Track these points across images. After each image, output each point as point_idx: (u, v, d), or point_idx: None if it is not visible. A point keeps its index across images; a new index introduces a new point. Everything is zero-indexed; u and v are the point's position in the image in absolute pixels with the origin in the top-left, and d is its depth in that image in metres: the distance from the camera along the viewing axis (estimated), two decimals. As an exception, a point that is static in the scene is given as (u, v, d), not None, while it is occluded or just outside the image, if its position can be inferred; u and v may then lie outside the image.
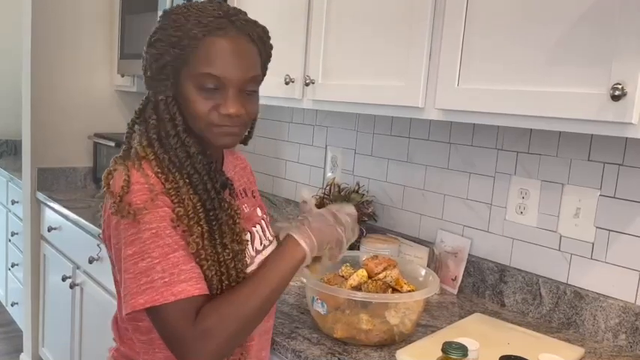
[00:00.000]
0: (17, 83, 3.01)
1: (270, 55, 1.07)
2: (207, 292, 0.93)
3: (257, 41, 1.01)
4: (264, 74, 1.06)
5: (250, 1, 1.91)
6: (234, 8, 1.02)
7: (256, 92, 1.03)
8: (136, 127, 1.05)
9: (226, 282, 0.97)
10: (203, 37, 0.95)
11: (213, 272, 0.96)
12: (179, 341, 0.90)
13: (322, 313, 1.26)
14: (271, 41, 1.05)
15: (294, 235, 1.01)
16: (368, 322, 1.22)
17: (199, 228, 0.95)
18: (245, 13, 1.03)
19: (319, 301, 1.26)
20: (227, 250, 0.98)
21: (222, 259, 0.97)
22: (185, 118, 0.99)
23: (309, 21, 1.70)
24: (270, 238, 1.17)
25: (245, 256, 1.02)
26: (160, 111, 1.00)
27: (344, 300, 1.24)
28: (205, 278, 0.94)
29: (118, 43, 2.74)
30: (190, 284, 0.91)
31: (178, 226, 0.94)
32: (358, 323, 1.22)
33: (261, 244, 1.12)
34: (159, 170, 0.97)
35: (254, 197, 1.21)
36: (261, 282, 0.97)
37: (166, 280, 0.89)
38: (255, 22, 1.03)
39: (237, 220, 1.02)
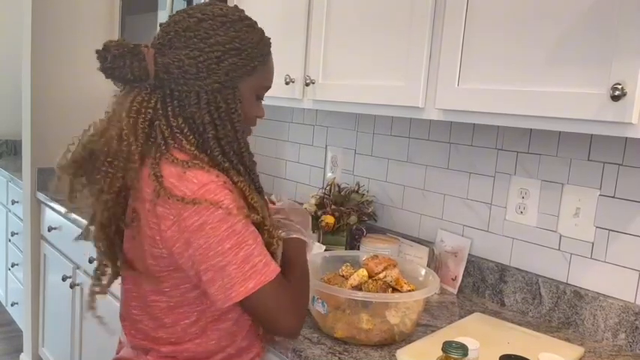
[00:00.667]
0: (17, 83, 3.01)
1: None
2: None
3: None
4: None
5: (251, 1, 1.92)
6: None
7: None
8: (185, 126, 1.05)
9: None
10: (268, 54, 1.11)
11: None
12: (286, 309, 1.02)
13: (323, 312, 1.26)
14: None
15: (299, 236, 1.18)
16: (368, 322, 1.22)
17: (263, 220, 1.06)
18: None
19: (320, 300, 1.26)
20: (274, 238, 1.08)
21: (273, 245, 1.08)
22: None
23: (309, 21, 1.70)
24: None
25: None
26: (222, 110, 1.05)
27: (344, 300, 1.24)
28: None
29: (118, 43, 2.74)
30: (274, 263, 1.02)
31: (257, 221, 1.04)
32: (358, 323, 1.22)
33: None
34: (225, 171, 1.04)
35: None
36: (305, 273, 1.16)
37: (264, 261, 0.99)
38: None
39: (269, 212, 1.13)
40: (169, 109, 1.04)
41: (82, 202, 1.09)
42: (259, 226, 1.04)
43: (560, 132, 1.47)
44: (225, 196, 0.98)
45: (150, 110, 1.03)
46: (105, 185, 1.03)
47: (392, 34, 1.45)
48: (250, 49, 1.05)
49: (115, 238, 1.10)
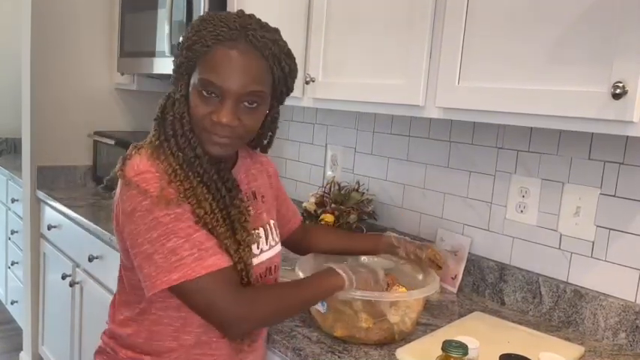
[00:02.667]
0: (17, 81, 3.01)
1: (288, 75, 1.09)
2: (232, 264, 1.02)
3: (269, 59, 1.04)
4: (278, 92, 1.10)
5: (250, 0, 1.92)
6: (258, 23, 1.06)
7: (259, 107, 1.06)
8: (155, 122, 1.09)
9: (245, 278, 1.05)
10: (213, 45, 1.00)
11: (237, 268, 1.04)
12: (219, 305, 0.98)
13: (322, 311, 1.26)
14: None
15: (337, 269, 1.16)
16: (367, 321, 1.22)
17: (221, 228, 1.03)
18: (269, 31, 1.06)
19: None
20: (241, 247, 1.05)
21: (241, 254, 1.05)
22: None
23: (309, 19, 1.70)
24: (273, 242, 1.21)
25: (254, 254, 1.11)
26: (175, 108, 1.05)
27: (344, 298, 1.24)
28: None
29: (118, 41, 2.74)
30: (218, 258, 0.99)
31: (202, 225, 1.01)
32: (358, 322, 1.22)
33: (267, 244, 1.19)
34: (173, 169, 1.02)
35: (262, 201, 1.23)
36: (304, 287, 1.13)
37: (196, 255, 0.97)
38: (273, 41, 1.05)
39: (247, 219, 1.08)
40: (164, 110, 1.09)
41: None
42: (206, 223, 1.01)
43: (560, 130, 1.47)
44: (154, 187, 0.98)
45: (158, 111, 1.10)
46: None
47: (392, 32, 1.44)
48: (187, 40, 1.02)
49: None
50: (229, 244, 1.03)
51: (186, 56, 1.02)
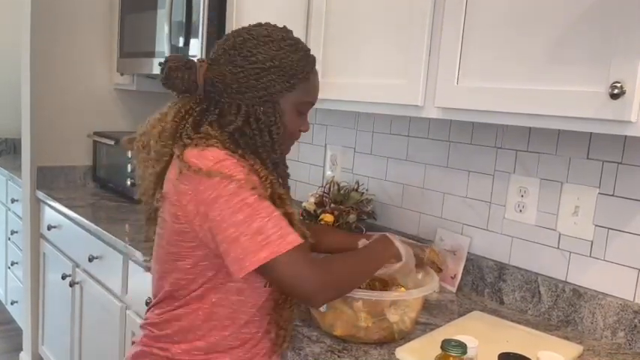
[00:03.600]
0: (17, 82, 3.01)
1: None
2: (306, 242, 1.09)
3: None
4: None
5: (249, 0, 1.92)
6: None
7: None
8: (233, 128, 1.13)
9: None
10: (311, 73, 1.18)
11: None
12: (303, 277, 1.04)
13: (322, 310, 1.26)
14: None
15: (392, 238, 1.28)
16: (367, 320, 1.22)
17: (290, 209, 1.11)
18: None
19: None
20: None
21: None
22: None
23: (308, 20, 1.70)
24: None
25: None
26: (261, 123, 1.13)
27: (344, 298, 1.24)
28: None
29: (118, 41, 2.74)
30: (295, 235, 1.05)
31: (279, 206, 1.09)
32: (357, 321, 1.22)
33: None
34: (258, 167, 1.11)
35: None
36: (367, 256, 1.24)
37: (279, 233, 1.02)
38: None
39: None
40: (211, 117, 1.14)
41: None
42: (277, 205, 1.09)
43: (559, 130, 1.47)
44: (239, 172, 1.04)
45: (192, 117, 1.14)
46: (142, 173, 1.21)
47: (391, 32, 1.45)
48: (289, 67, 1.13)
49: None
50: (300, 224, 1.11)
51: (283, 81, 1.12)
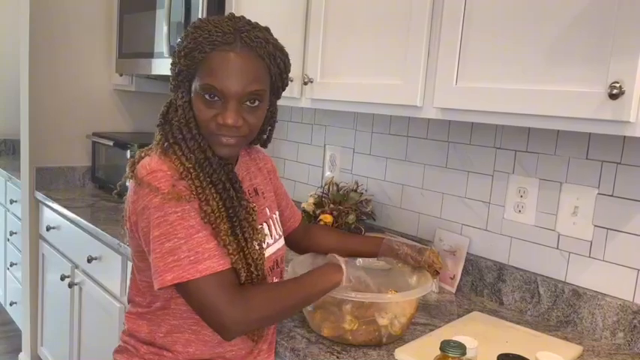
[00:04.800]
0: (15, 82, 3.01)
1: (283, 71, 1.13)
2: (230, 267, 1.03)
3: (265, 57, 1.07)
4: (275, 88, 1.14)
5: (248, 1, 1.91)
6: (249, 24, 1.08)
7: (260, 105, 1.09)
8: (159, 127, 1.12)
9: (255, 273, 1.07)
10: (210, 51, 1.03)
11: (240, 265, 1.05)
12: (213, 308, 0.99)
13: (309, 309, 1.26)
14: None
15: (340, 263, 1.18)
16: (352, 322, 1.21)
17: (224, 225, 1.04)
18: (261, 30, 1.09)
19: None
20: (249, 244, 1.07)
21: (246, 252, 1.06)
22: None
23: (307, 20, 1.70)
24: (277, 236, 1.25)
25: (263, 249, 1.12)
26: (179, 114, 1.08)
27: (331, 298, 1.23)
28: (234, 271, 1.04)
29: (117, 42, 2.74)
30: (214, 261, 1.00)
31: (206, 222, 1.03)
32: (343, 322, 1.22)
33: (271, 237, 1.22)
34: (185, 167, 1.05)
35: (264, 197, 1.26)
36: (301, 286, 1.12)
37: (192, 258, 0.98)
38: (267, 39, 1.08)
39: (255, 217, 1.11)
40: (167, 116, 1.12)
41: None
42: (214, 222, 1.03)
43: (558, 131, 1.47)
44: (168, 185, 1.01)
45: (160, 117, 1.13)
46: None
47: (390, 32, 1.45)
48: (188, 48, 1.04)
49: None
50: (230, 241, 1.04)
51: (185, 64, 1.05)
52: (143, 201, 1.02)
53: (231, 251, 1.04)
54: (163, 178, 1.02)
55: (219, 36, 1.03)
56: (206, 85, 1.03)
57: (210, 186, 1.05)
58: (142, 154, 1.11)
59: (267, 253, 1.17)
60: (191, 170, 1.04)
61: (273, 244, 1.21)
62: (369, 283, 1.26)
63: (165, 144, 1.07)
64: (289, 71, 1.15)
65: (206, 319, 1.02)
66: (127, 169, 1.09)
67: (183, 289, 1.00)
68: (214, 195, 1.05)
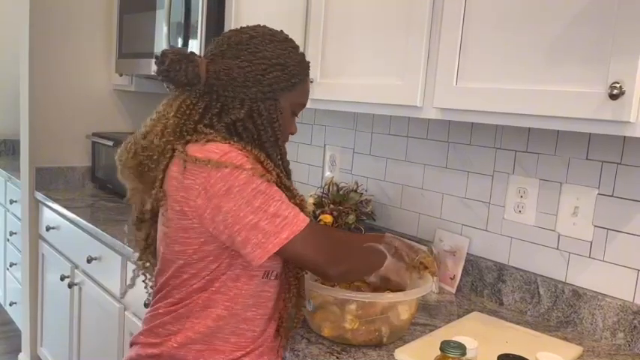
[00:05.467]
0: (15, 82, 3.01)
1: None
2: None
3: None
4: None
5: (248, 1, 1.91)
6: None
7: None
8: (223, 126, 1.14)
9: None
10: (307, 75, 1.21)
11: None
12: (324, 247, 1.11)
13: (309, 309, 1.26)
14: None
15: (384, 250, 1.29)
16: (352, 322, 1.21)
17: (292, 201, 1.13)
18: None
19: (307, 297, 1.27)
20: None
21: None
22: None
23: (307, 20, 1.70)
24: None
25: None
26: (263, 119, 1.14)
27: (332, 298, 1.23)
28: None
29: (116, 42, 2.74)
30: (303, 213, 1.10)
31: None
32: (343, 322, 1.22)
33: None
34: (262, 157, 1.12)
35: None
36: (374, 249, 1.29)
37: (293, 212, 1.07)
38: None
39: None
40: (214, 112, 1.14)
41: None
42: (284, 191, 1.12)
43: (558, 131, 1.47)
44: (247, 161, 1.06)
45: (196, 112, 1.14)
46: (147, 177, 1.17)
47: (390, 33, 1.44)
48: (293, 67, 1.15)
49: (151, 229, 1.25)
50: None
51: (285, 79, 1.15)
52: (227, 182, 1.04)
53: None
54: (241, 156, 1.06)
55: (308, 64, 1.21)
56: (302, 104, 1.22)
57: (278, 170, 1.14)
58: (192, 139, 1.12)
59: None
60: (264, 161, 1.11)
61: None
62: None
63: (235, 138, 1.13)
64: None
65: (319, 260, 1.10)
66: (183, 159, 1.08)
67: (294, 243, 1.06)
68: (285, 179, 1.15)
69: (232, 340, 1.15)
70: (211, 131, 1.12)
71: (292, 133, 1.24)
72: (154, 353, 1.15)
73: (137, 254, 1.31)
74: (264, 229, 1.04)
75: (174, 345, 1.13)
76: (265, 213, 1.04)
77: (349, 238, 1.38)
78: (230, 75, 1.12)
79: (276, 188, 1.08)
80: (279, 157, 1.18)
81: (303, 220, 1.07)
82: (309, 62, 1.22)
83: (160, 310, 1.17)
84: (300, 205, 1.12)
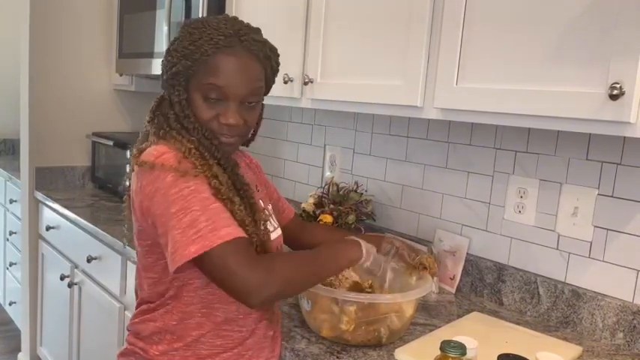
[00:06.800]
0: (16, 82, 3.01)
1: (275, 71, 1.19)
2: (247, 236, 1.04)
3: (263, 59, 1.13)
4: (268, 88, 1.19)
5: (249, 1, 1.91)
6: (247, 27, 1.12)
7: (258, 105, 1.15)
8: (149, 122, 1.15)
9: (263, 252, 1.10)
10: (213, 54, 1.07)
11: (253, 242, 1.08)
12: (236, 274, 0.97)
13: (307, 309, 1.27)
14: (272, 42, 1.16)
15: (360, 241, 1.20)
16: (348, 323, 1.21)
17: (237, 199, 1.07)
18: (257, 32, 1.14)
19: (305, 298, 1.27)
20: (258, 224, 1.10)
21: (257, 230, 1.10)
22: None
23: (307, 20, 1.70)
24: (275, 225, 1.27)
25: (269, 232, 1.16)
26: (176, 110, 1.11)
27: (330, 298, 1.23)
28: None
29: (117, 42, 2.74)
30: (232, 228, 1.00)
31: (218, 197, 1.04)
32: (339, 323, 1.22)
33: (270, 225, 1.24)
34: (187, 148, 1.07)
35: (257, 190, 1.27)
36: (320, 257, 1.14)
37: (211, 227, 0.98)
38: (264, 42, 1.13)
39: (256, 199, 1.15)
40: (159, 110, 1.15)
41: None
42: (222, 198, 1.05)
43: (558, 131, 1.47)
44: (179, 163, 1.03)
45: (150, 114, 1.15)
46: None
47: (390, 33, 1.45)
48: (185, 48, 1.08)
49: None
50: (244, 215, 1.06)
51: (185, 65, 1.08)
52: (155, 184, 1.02)
53: (247, 222, 1.06)
54: (172, 158, 1.04)
55: (221, 39, 1.07)
56: (210, 85, 1.07)
57: (215, 162, 1.08)
58: (143, 146, 1.12)
59: (273, 236, 1.20)
60: (193, 150, 1.06)
61: (273, 231, 1.23)
62: (386, 279, 1.27)
63: (161, 132, 1.11)
64: (278, 71, 1.21)
65: (230, 285, 0.99)
66: (132, 162, 1.10)
67: (204, 259, 0.98)
68: (221, 171, 1.08)
69: (218, 342, 1.13)
70: (154, 129, 1.13)
71: (223, 123, 1.10)
72: (140, 355, 1.16)
73: None
74: (175, 239, 0.98)
75: (156, 353, 1.13)
76: (180, 222, 0.98)
77: (288, 260, 1.11)
78: (161, 74, 1.14)
79: (205, 196, 1.01)
80: (216, 151, 1.10)
81: (220, 237, 0.97)
82: (220, 38, 1.07)
83: (139, 318, 1.17)
84: (241, 211, 1.05)
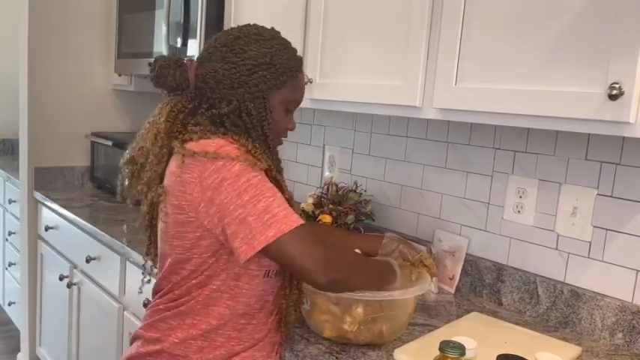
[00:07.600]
0: (14, 82, 3.01)
1: None
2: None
3: None
4: None
5: (248, 1, 1.91)
6: None
7: None
8: (225, 119, 1.16)
9: None
10: (298, 72, 1.21)
11: None
12: (310, 252, 1.05)
13: (307, 308, 1.27)
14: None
15: (395, 268, 1.27)
16: (352, 324, 1.21)
17: (285, 195, 1.12)
18: None
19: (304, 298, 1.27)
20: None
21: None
22: None
23: (306, 20, 1.70)
24: None
25: None
26: (253, 119, 1.16)
27: (328, 299, 1.23)
28: None
29: (116, 42, 2.74)
30: (297, 216, 1.07)
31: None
32: (342, 323, 1.22)
33: None
34: (252, 146, 1.13)
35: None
36: (372, 263, 1.30)
37: (284, 212, 1.05)
38: None
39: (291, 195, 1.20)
40: (203, 113, 1.16)
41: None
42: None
43: (557, 131, 1.47)
44: (242, 154, 1.08)
45: (184, 115, 1.17)
46: (145, 179, 1.18)
47: (390, 33, 1.45)
48: (280, 65, 1.15)
49: (154, 227, 1.25)
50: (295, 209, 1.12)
51: (273, 77, 1.15)
52: (221, 173, 1.05)
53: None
54: (235, 150, 1.08)
55: (300, 59, 1.21)
56: (296, 101, 1.22)
57: (270, 162, 1.14)
58: (186, 137, 1.13)
59: None
60: (252, 150, 1.11)
61: None
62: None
63: (222, 129, 1.14)
64: None
65: (304, 264, 1.04)
66: (181, 153, 1.10)
67: (279, 243, 1.03)
68: (277, 172, 1.15)
69: (233, 335, 1.15)
70: (200, 127, 1.14)
71: (290, 129, 1.25)
72: (154, 350, 1.16)
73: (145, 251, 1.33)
74: (252, 225, 1.03)
75: (175, 340, 1.14)
76: (254, 208, 1.03)
77: (349, 254, 1.30)
78: (216, 78, 1.14)
79: (271, 185, 1.07)
80: (268, 152, 1.18)
81: (294, 221, 1.05)
82: (300, 58, 1.22)
83: (160, 307, 1.18)
84: (289, 202, 1.11)
